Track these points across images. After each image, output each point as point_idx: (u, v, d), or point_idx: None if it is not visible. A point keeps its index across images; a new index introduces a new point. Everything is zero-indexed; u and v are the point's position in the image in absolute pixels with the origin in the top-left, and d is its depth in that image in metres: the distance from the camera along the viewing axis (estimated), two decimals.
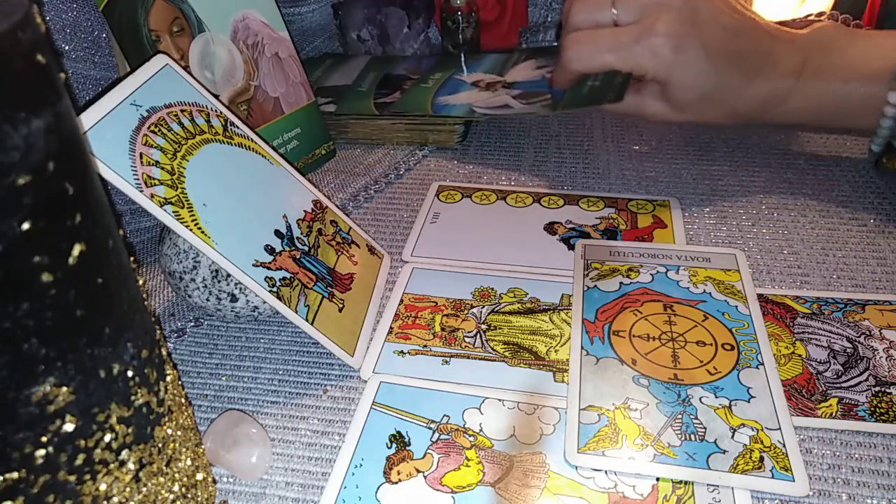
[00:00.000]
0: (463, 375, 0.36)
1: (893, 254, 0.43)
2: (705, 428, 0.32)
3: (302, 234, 0.38)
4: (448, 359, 0.37)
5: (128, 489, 0.23)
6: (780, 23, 0.70)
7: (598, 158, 0.55)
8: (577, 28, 0.49)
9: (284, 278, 0.35)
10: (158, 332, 0.25)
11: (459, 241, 0.46)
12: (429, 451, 0.32)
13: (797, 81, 0.46)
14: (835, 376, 0.35)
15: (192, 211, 0.33)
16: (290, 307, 0.35)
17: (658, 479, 0.30)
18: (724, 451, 0.31)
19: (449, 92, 0.57)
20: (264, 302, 0.37)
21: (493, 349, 0.37)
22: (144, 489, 0.24)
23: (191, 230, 0.32)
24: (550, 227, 0.47)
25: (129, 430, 0.22)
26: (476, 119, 0.57)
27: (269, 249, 0.36)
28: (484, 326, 0.39)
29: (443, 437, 0.33)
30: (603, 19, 0.48)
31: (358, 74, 0.62)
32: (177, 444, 0.26)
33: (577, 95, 0.51)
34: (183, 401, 0.27)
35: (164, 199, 0.32)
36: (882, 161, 0.50)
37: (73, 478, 0.20)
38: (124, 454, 0.22)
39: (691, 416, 0.32)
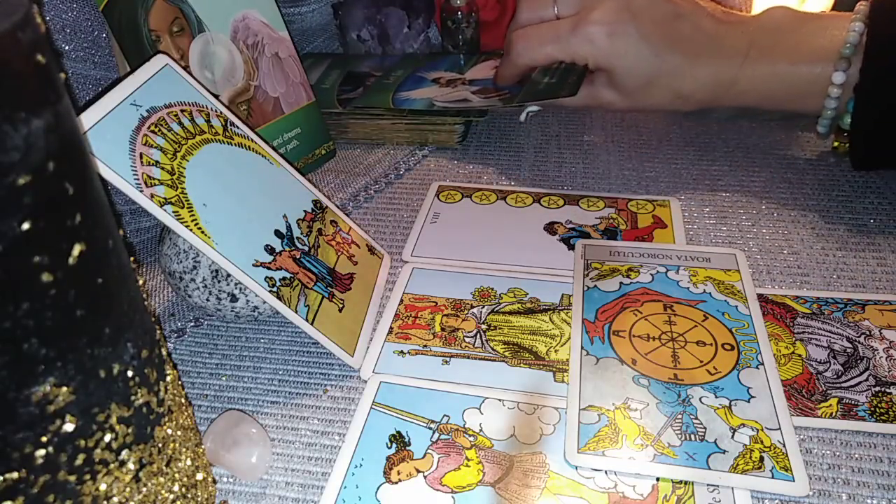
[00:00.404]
0: (463, 375, 0.36)
1: (893, 254, 0.43)
2: (705, 428, 0.32)
3: (302, 234, 0.38)
4: (448, 359, 0.37)
5: (128, 489, 0.23)
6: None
7: (598, 158, 0.55)
8: (523, 25, 0.51)
9: (284, 278, 0.35)
10: (158, 332, 0.25)
11: (459, 241, 0.46)
12: (429, 451, 0.32)
13: (744, 63, 0.46)
14: (835, 376, 0.35)
15: (192, 211, 0.33)
16: (290, 307, 0.35)
17: (658, 479, 0.30)
18: (724, 451, 0.31)
19: (410, 88, 0.59)
20: (264, 302, 0.37)
21: (493, 349, 0.37)
22: (144, 489, 0.24)
23: (191, 230, 0.32)
24: (550, 227, 0.47)
25: (129, 430, 0.22)
26: (476, 119, 0.57)
27: (269, 249, 0.36)
28: (484, 326, 0.39)
29: (443, 437, 0.33)
30: (546, 15, 0.50)
31: (322, 73, 0.64)
32: (177, 444, 0.26)
33: (534, 91, 0.53)
34: (183, 401, 0.27)
35: (164, 199, 0.32)
36: (834, 147, 0.51)
37: (73, 478, 0.20)
38: (124, 454, 0.22)
39: (691, 416, 0.32)
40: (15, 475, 0.19)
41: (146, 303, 0.24)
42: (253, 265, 0.34)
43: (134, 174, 0.31)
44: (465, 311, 0.40)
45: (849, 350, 0.36)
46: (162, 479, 0.24)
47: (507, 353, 0.37)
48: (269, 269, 0.35)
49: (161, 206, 0.32)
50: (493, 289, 0.41)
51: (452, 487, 0.31)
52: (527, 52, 0.50)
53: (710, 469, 0.30)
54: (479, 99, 0.56)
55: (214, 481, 0.32)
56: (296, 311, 0.35)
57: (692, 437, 0.32)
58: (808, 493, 0.29)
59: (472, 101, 0.56)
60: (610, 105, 0.51)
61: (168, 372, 0.26)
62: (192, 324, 0.41)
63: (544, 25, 0.50)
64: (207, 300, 0.38)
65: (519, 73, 0.53)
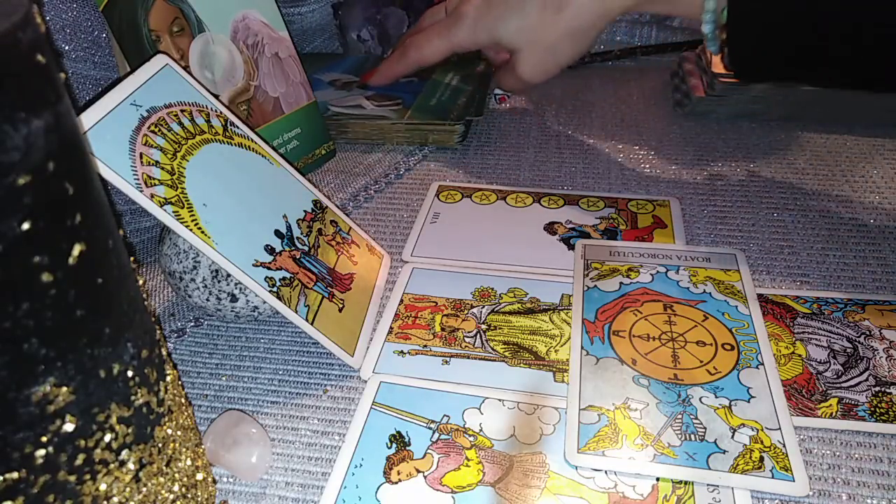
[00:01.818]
0: (463, 375, 0.36)
1: (893, 254, 0.43)
2: (705, 428, 0.32)
3: (302, 234, 0.38)
4: (448, 359, 0.37)
5: (128, 489, 0.23)
6: None
7: (598, 158, 0.55)
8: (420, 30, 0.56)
9: (284, 278, 0.35)
10: (158, 332, 0.25)
11: (459, 241, 0.46)
12: (429, 451, 0.32)
13: None
14: (835, 376, 0.35)
15: (192, 211, 0.33)
16: (290, 307, 0.35)
17: (658, 479, 0.30)
18: (724, 451, 0.31)
19: None
20: (264, 302, 0.37)
21: (493, 349, 0.37)
22: (144, 489, 0.24)
23: (191, 230, 0.32)
24: (550, 227, 0.47)
25: (129, 430, 0.22)
26: (475, 119, 0.57)
27: (269, 249, 0.36)
28: (484, 326, 0.39)
29: (443, 437, 0.33)
30: (437, 19, 0.56)
31: None
32: (177, 444, 0.26)
33: (425, 108, 0.57)
34: (183, 401, 0.27)
35: (164, 199, 0.32)
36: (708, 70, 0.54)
37: (73, 478, 0.20)
38: (124, 454, 0.22)
39: (691, 416, 0.32)
40: (15, 475, 0.19)
41: (146, 303, 0.24)
42: (253, 265, 0.34)
43: (134, 174, 0.31)
44: (465, 311, 0.40)
45: (849, 350, 0.36)
46: (162, 479, 0.24)
47: (507, 353, 0.37)
48: (269, 269, 0.35)
49: (161, 206, 0.32)
50: (493, 289, 0.41)
51: (452, 487, 0.31)
52: (417, 49, 0.55)
53: (710, 469, 0.30)
54: (372, 106, 0.59)
55: (214, 481, 0.32)
56: (296, 311, 0.35)
57: (692, 437, 0.32)
58: (808, 493, 0.29)
59: (365, 108, 0.58)
60: (515, 83, 0.55)
61: (168, 372, 0.26)
62: (192, 324, 0.41)
63: (432, 25, 0.55)
64: (207, 300, 0.38)
65: (405, 72, 0.57)
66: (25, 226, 0.17)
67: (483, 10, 0.51)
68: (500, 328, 0.39)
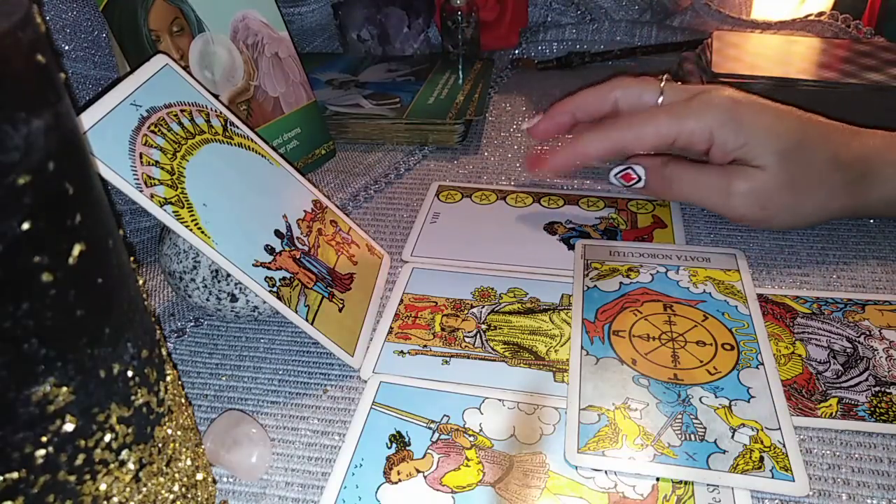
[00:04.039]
0: (463, 375, 0.36)
1: (893, 254, 0.43)
2: (705, 428, 0.32)
3: (302, 234, 0.38)
4: (448, 359, 0.37)
5: (128, 489, 0.23)
6: (781, 23, 0.70)
7: None
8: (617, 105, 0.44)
9: (284, 278, 0.35)
10: (158, 332, 0.25)
11: (459, 241, 0.46)
12: (429, 451, 0.32)
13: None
14: (835, 376, 0.35)
15: (192, 211, 0.33)
16: (290, 307, 0.35)
17: (658, 479, 0.30)
18: (724, 451, 0.31)
19: None
20: (264, 302, 0.37)
21: (493, 349, 0.37)
22: (144, 489, 0.24)
23: (191, 230, 0.32)
24: (550, 227, 0.47)
25: (129, 430, 0.22)
26: (476, 119, 0.57)
27: (269, 249, 0.36)
28: (484, 326, 0.39)
29: (443, 437, 0.33)
30: (648, 100, 0.43)
31: None
32: (177, 444, 0.26)
33: (423, 107, 0.57)
34: (183, 401, 0.27)
35: (164, 199, 0.32)
36: None
37: (73, 478, 0.20)
38: (124, 454, 0.22)
39: (691, 416, 0.32)
40: (15, 475, 0.19)
41: (146, 303, 0.24)
42: (253, 265, 0.34)
43: (134, 174, 0.31)
44: (465, 311, 0.40)
45: (849, 350, 0.36)
46: (162, 479, 0.24)
47: (507, 353, 0.37)
48: (269, 269, 0.35)
49: (161, 206, 0.32)
50: (493, 289, 0.41)
51: (452, 487, 0.31)
52: (630, 127, 0.41)
53: (710, 469, 0.30)
54: (370, 105, 0.58)
55: (214, 481, 0.32)
56: (296, 311, 0.35)
57: (692, 437, 0.32)
58: (808, 493, 0.29)
59: (363, 107, 0.58)
60: (740, 212, 0.42)
61: (168, 372, 0.26)
62: (192, 324, 0.41)
63: (653, 108, 0.42)
64: (207, 300, 0.38)
65: (599, 156, 0.43)
66: (25, 226, 0.17)
67: (751, 109, 0.40)
68: (500, 328, 0.39)
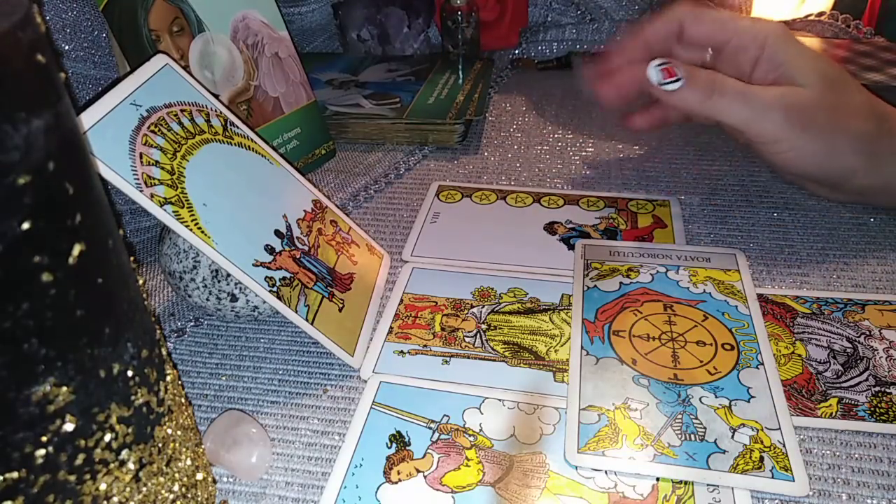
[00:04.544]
0: (463, 375, 0.36)
1: (893, 254, 0.43)
2: (705, 428, 0.32)
3: (302, 233, 0.38)
4: (448, 359, 0.37)
5: (128, 489, 0.23)
6: (783, 22, 0.70)
7: (598, 158, 0.55)
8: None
9: (284, 278, 0.35)
10: (158, 332, 0.25)
11: (459, 241, 0.46)
12: (429, 450, 0.32)
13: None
14: (835, 376, 0.35)
15: (192, 211, 0.33)
16: (290, 307, 0.35)
17: (658, 479, 0.30)
18: (724, 451, 0.31)
19: None
20: (264, 302, 0.37)
21: (493, 349, 0.37)
22: (144, 489, 0.24)
23: (191, 230, 0.32)
24: (550, 227, 0.47)
25: (129, 430, 0.22)
26: (476, 119, 0.57)
27: (269, 249, 0.36)
28: (484, 326, 0.39)
29: (443, 436, 0.33)
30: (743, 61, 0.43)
31: None
32: (177, 444, 0.26)
33: (423, 107, 0.56)
34: (183, 401, 0.27)
35: (164, 199, 0.32)
36: None
37: (73, 478, 0.20)
38: (124, 454, 0.22)
39: (691, 416, 0.32)
40: (15, 475, 0.19)
41: (146, 303, 0.24)
42: (253, 265, 0.34)
43: (134, 174, 0.31)
44: (465, 311, 0.40)
45: (849, 350, 0.36)
46: (162, 479, 0.24)
47: (507, 353, 0.37)
48: (269, 268, 0.35)
49: (161, 206, 0.32)
50: (493, 289, 0.41)
51: (452, 487, 0.31)
52: (692, 12, 0.42)
53: (710, 469, 0.30)
54: (370, 105, 0.58)
55: (214, 481, 0.32)
56: (296, 311, 0.35)
57: (692, 437, 0.32)
58: (808, 493, 0.29)
59: (363, 107, 0.58)
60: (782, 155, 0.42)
61: (168, 372, 0.26)
62: (192, 324, 0.41)
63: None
64: (207, 300, 0.38)
65: (625, 100, 0.44)
66: (25, 226, 0.17)
67: (801, 41, 0.41)
68: (500, 328, 0.39)
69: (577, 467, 0.31)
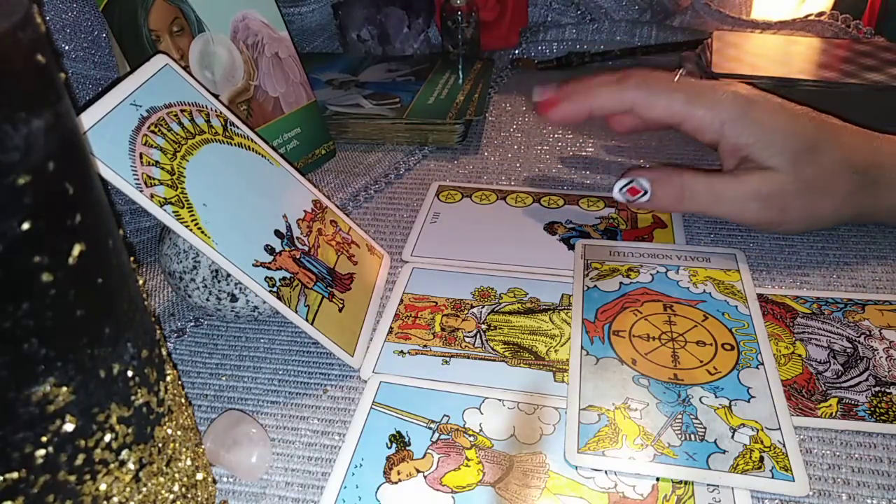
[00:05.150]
0: (463, 375, 0.36)
1: (894, 254, 0.43)
2: (705, 428, 0.32)
3: (302, 234, 0.38)
4: (448, 359, 0.37)
5: (128, 489, 0.23)
6: (781, 23, 0.70)
7: (598, 158, 0.55)
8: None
9: (284, 278, 0.35)
10: (158, 332, 0.25)
11: (459, 241, 0.46)
12: (429, 451, 0.32)
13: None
14: (835, 376, 0.35)
15: (192, 211, 0.33)
16: (290, 307, 0.35)
17: (658, 479, 0.30)
18: (724, 451, 0.31)
19: None
20: (264, 302, 0.37)
21: (493, 349, 0.37)
22: (144, 489, 0.24)
23: (191, 230, 0.32)
24: (550, 227, 0.47)
25: (129, 430, 0.22)
26: (476, 119, 0.57)
27: (269, 249, 0.36)
28: (484, 326, 0.39)
29: (443, 437, 0.33)
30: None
31: None
32: (177, 444, 0.26)
33: (423, 107, 0.56)
34: (183, 401, 0.27)
35: (164, 199, 0.32)
36: None
37: (73, 478, 0.20)
38: (124, 454, 0.22)
39: (691, 416, 0.32)
40: (15, 475, 0.19)
41: (146, 303, 0.24)
42: (253, 265, 0.34)
43: (134, 174, 0.31)
44: (465, 311, 0.40)
45: (849, 350, 0.36)
46: (162, 479, 0.24)
47: (507, 353, 0.37)
48: (269, 269, 0.35)
49: (161, 206, 0.32)
50: (493, 289, 0.41)
51: (452, 487, 0.31)
52: (644, 94, 0.41)
53: (710, 469, 0.30)
54: (370, 105, 0.58)
55: (214, 481, 0.32)
56: (296, 311, 0.35)
57: (692, 437, 0.32)
58: (808, 493, 0.29)
59: (363, 107, 0.58)
60: (753, 215, 0.41)
61: (168, 372, 0.26)
62: (192, 324, 0.41)
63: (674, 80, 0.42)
64: (207, 300, 0.38)
65: (580, 115, 0.44)
66: (25, 226, 0.17)
67: (765, 108, 0.40)
68: (500, 328, 0.39)
69: (577, 467, 0.31)
